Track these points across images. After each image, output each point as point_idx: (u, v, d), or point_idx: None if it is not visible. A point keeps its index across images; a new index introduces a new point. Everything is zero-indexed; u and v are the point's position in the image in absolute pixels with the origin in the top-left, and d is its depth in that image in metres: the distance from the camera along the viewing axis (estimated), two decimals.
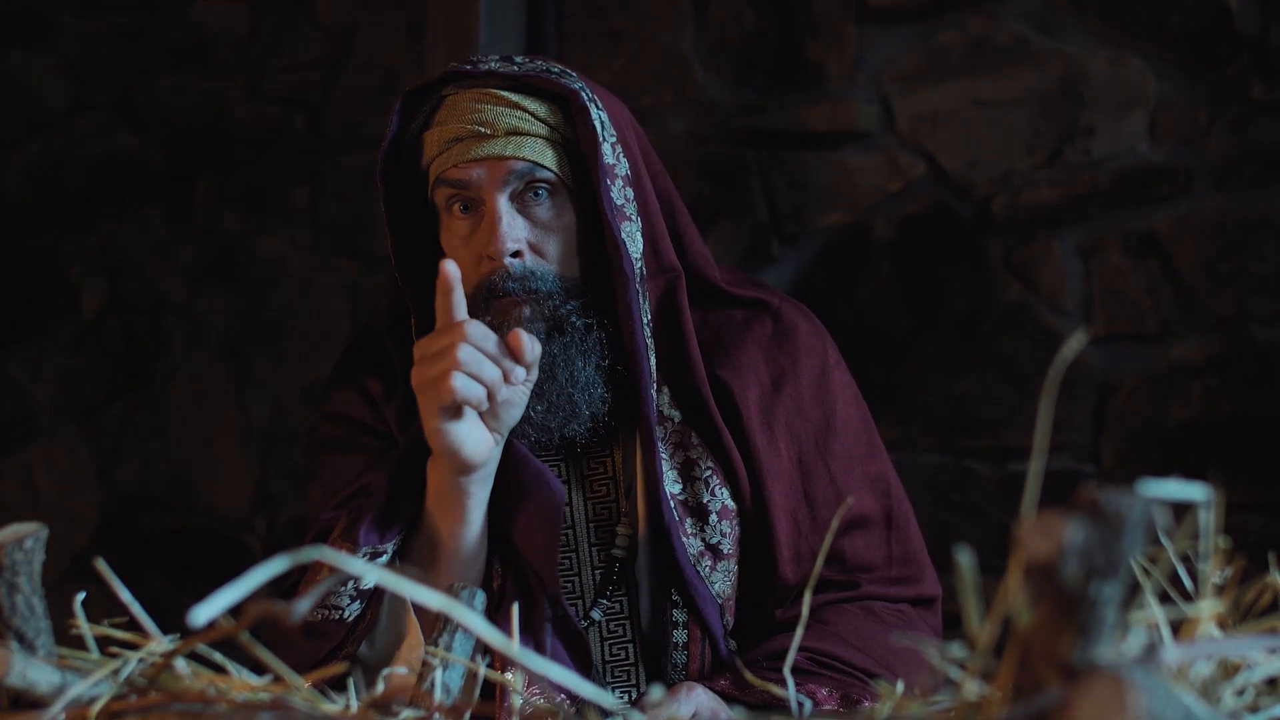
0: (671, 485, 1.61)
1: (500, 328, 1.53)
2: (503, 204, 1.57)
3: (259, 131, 3.53)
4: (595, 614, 1.63)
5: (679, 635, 1.61)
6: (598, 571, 1.64)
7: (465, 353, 1.45)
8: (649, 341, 1.62)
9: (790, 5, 3.02)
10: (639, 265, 1.61)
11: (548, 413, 1.58)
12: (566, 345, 1.58)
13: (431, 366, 1.46)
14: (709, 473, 1.63)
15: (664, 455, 1.62)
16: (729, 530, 1.63)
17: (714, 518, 1.62)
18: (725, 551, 1.62)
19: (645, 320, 1.62)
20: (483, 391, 1.46)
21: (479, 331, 1.46)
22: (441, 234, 1.63)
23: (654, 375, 1.62)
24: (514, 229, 1.57)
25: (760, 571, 1.65)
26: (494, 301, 1.57)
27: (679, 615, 1.61)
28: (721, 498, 1.63)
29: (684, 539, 1.60)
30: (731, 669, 1.59)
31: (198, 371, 3.59)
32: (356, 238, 3.44)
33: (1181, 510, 0.80)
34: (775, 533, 1.63)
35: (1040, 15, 2.85)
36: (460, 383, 1.45)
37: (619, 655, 1.63)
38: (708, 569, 1.61)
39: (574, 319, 1.59)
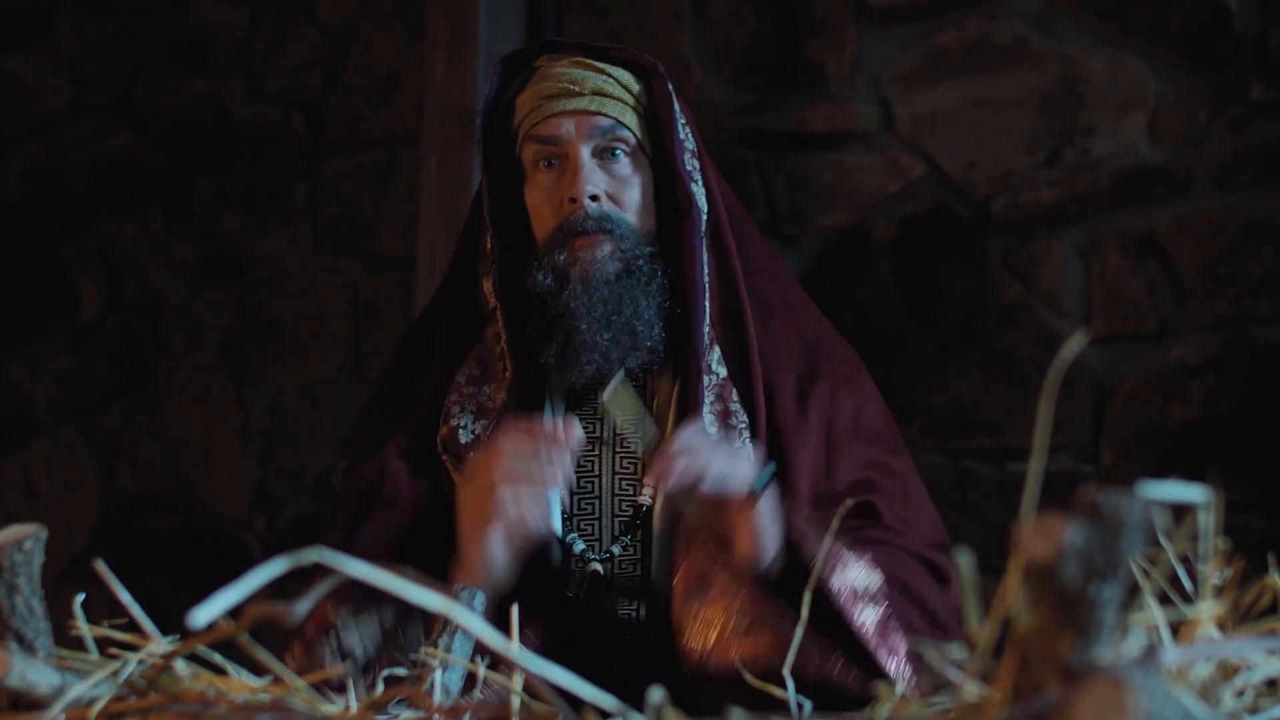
0: (709, 426, 1.74)
1: (574, 266, 1.70)
2: (585, 154, 1.74)
3: (259, 132, 3.53)
4: (614, 549, 1.74)
5: None
6: (618, 520, 1.76)
7: (505, 463, 1.55)
8: (706, 287, 1.76)
9: (789, 5, 3.02)
10: (705, 216, 1.77)
11: (612, 342, 1.71)
12: (633, 285, 1.72)
13: (477, 486, 1.57)
14: (743, 425, 1.76)
15: (705, 400, 1.75)
16: None
17: None
18: None
19: (705, 269, 1.76)
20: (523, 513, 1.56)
21: (511, 441, 1.57)
22: (526, 190, 1.78)
23: (710, 321, 1.77)
24: (594, 176, 1.73)
25: None
26: (572, 239, 1.72)
27: None
28: (749, 448, 1.75)
29: None
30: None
31: (197, 371, 3.58)
32: (356, 238, 3.44)
33: (1181, 511, 0.80)
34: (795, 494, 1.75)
35: (1039, 15, 2.85)
36: (504, 502, 1.55)
37: (629, 583, 1.75)
38: None
39: (642, 263, 1.74)
